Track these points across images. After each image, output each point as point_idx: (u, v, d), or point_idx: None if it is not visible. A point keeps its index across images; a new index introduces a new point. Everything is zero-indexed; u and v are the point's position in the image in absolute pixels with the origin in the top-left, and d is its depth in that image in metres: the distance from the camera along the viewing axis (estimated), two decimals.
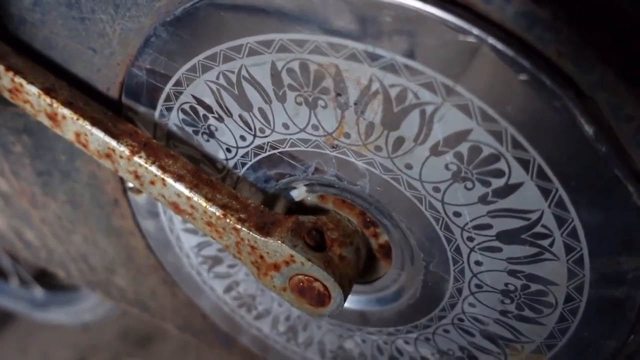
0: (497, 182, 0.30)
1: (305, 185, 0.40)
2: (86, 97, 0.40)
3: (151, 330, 1.23)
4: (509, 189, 0.29)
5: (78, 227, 0.57)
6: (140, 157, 0.37)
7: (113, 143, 0.38)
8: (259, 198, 0.41)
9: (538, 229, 0.30)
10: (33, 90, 0.38)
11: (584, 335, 0.34)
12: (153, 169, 0.37)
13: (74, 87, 0.40)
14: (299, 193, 0.41)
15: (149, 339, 1.23)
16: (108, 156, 0.39)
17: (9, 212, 0.63)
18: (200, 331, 0.61)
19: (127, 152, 0.37)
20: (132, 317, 1.22)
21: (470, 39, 0.25)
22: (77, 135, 0.39)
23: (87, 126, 0.38)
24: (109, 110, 0.40)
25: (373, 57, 0.28)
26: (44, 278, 1.15)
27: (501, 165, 0.29)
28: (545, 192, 0.29)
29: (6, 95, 0.40)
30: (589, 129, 0.25)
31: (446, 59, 0.26)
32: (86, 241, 0.59)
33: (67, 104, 0.38)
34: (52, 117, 0.39)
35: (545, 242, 0.31)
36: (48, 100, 0.38)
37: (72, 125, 0.38)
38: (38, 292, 1.15)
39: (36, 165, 0.53)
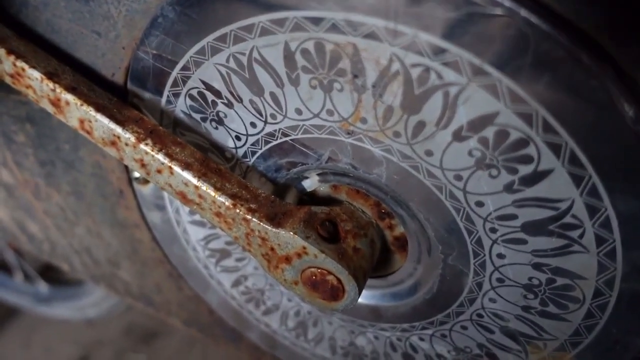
0: (525, 169, 0.28)
1: (318, 174, 0.38)
2: (90, 82, 0.38)
3: (156, 326, 1.22)
4: (537, 176, 0.28)
5: (82, 218, 0.56)
6: (147, 144, 0.36)
7: (118, 130, 0.36)
8: (269, 188, 0.40)
9: (567, 219, 0.29)
10: (35, 74, 0.37)
11: (612, 332, 0.32)
12: (160, 157, 0.36)
13: (77, 73, 0.39)
14: (311, 183, 0.39)
15: (154, 335, 1.22)
16: (113, 144, 0.37)
17: (12, 203, 0.62)
18: (207, 326, 0.59)
19: (132, 139, 0.36)
20: (137, 313, 1.21)
21: (500, 12, 0.23)
22: (81, 121, 0.37)
23: (92, 112, 0.36)
24: (114, 97, 0.38)
25: (394, 35, 0.26)
26: (48, 273, 1.14)
27: (530, 150, 0.27)
28: (577, 179, 0.27)
29: (8, 80, 0.39)
30: (628, 110, 0.23)
31: (474, 34, 0.25)
32: (90, 233, 0.57)
33: (71, 89, 0.37)
34: (55, 102, 0.37)
35: (575, 234, 0.29)
36: (51, 85, 0.37)
37: (76, 111, 0.37)
38: (42, 287, 1.14)
39: (39, 155, 0.51)
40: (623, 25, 0.23)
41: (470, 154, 0.29)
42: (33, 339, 1.25)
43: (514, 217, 0.30)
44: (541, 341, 0.36)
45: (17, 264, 1.13)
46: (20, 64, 0.37)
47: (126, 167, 0.46)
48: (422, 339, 0.42)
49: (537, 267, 0.32)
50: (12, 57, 0.37)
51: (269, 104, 0.34)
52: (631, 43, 0.23)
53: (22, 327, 1.27)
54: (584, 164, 0.26)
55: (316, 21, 0.28)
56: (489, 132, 0.27)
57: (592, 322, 0.32)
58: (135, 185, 0.48)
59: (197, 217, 0.45)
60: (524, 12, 0.23)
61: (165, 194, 0.46)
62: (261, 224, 0.35)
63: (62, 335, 1.25)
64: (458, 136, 0.29)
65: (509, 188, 0.29)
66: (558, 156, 0.26)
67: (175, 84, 0.37)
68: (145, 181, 0.46)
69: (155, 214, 0.48)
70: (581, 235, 0.29)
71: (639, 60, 0.23)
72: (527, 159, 0.27)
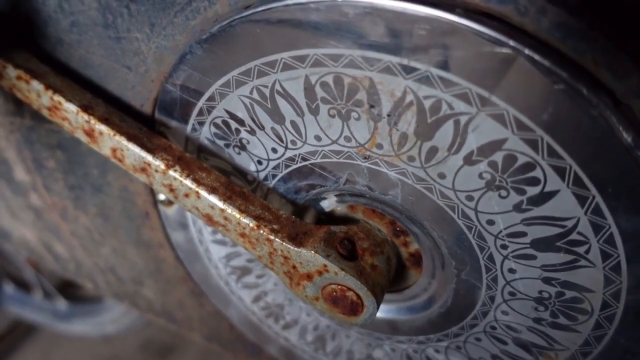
0: (533, 190, 0.30)
1: (336, 195, 0.40)
2: (121, 113, 0.41)
3: (171, 341, 1.24)
4: (544, 197, 0.30)
5: (107, 239, 0.58)
6: (175, 170, 0.38)
7: (149, 157, 0.39)
8: (289, 209, 0.42)
9: (574, 236, 0.30)
10: (71, 107, 0.40)
11: (621, 343, 0.34)
12: (187, 182, 0.38)
13: (109, 104, 0.41)
14: (329, 203, 0.41)
15: (170, 349, 1.23)
16: (143, 170, 0.40)
17: (39, 225, 0.64)
18: (228, 341, 0.61)
19: (162, 166, 0.38)
20: (153, 328, 1.23)
21: (506, 50, 0.26)
22: (114, 150, 0.40)
23: (124, 142, 0.39)
24: (143, 126, 0.41)
25: (408, 70, 0.29)
26: (67, 290, 1.16)
27: (537, 173, 0.29)
28: (582, 199, 0.29)
29: (45, 113, 0.41)
30: (627, 136, 0.25)
31: (482, 70, 0.27)
32: (115, 253, 0.60)
33: (104, 121, 0.40)
34: (90, 133, 0.40)
35: (581, 249, 0.31)
36: (86, 117, 0.39)
37: (109, 141, 0.40)
38: (61, 304, 1.17)
39: (68, 180, 0.54)
40: (619, 59, 0.25)
41: (480, 176, 0.31)
42: (53, 355, 1.27)
43: (523, 234, 0.32)
44: (553, 351, 0.37)
45: (37, 282, 1.16)
46: (57, 98, 0.40)
47: (151, 189, 0.49)
48: (437, 351, 0.44)
49: (546, 281, 0.34)
50: (49, 92, 0.40)
51: (289, 131, 0.36)
52: (627, 75, 0.25)
53: (42, 343, 1.29)
54: (587, 185, 0.28)
55: (335, 58, 0.31)
56: (498, 157, 0.30)
57: (600, 332, 0.34)
58: (160, 207, 0.50)
59: (218, 236, 0.48)
60: (527, 51, 0.25)
61: (189, 215, 0.48)
62: (284, 243, 0.37)
63: (81, 352, 1.27)
64: (469, 160, 0.31)
65: (518, 207, 0.31)
66: (563, 178, 0.28)
67: (200, 113, 0.39)
68: (169, 203, 0.49)
69: (178, 233, 0.51)
70: (587, 251, 0.31)
71: (635, 91, 0.25)
72: (534, 181, 0.29)
